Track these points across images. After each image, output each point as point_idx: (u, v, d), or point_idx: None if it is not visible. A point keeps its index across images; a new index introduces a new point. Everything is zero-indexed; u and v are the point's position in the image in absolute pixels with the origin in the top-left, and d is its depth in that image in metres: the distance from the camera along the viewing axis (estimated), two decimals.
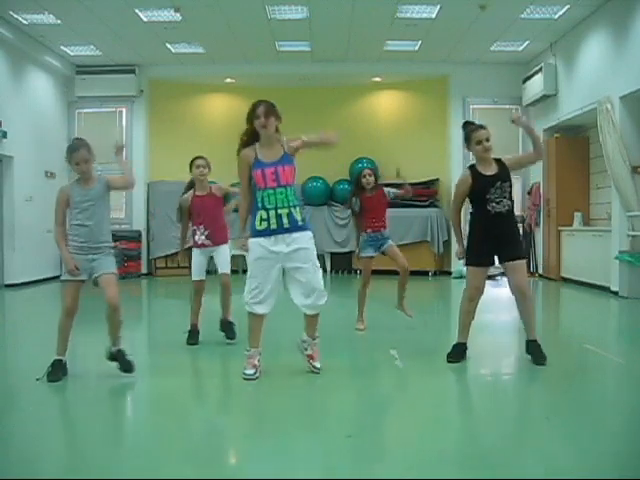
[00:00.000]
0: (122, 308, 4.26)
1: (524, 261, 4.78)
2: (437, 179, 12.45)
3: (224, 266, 5.50)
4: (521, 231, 5.20)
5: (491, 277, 11.30)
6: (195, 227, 5.52)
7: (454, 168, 12.36)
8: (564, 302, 9.39)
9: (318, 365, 4.42)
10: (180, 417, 3.64)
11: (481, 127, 4.74)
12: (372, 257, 6.10)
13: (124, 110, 12.56)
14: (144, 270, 12.31)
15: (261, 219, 4.19)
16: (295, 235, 4.19)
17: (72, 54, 11.48)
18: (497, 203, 4.57)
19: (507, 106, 12.34)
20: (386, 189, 6.15)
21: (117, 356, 4.31)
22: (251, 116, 4.27)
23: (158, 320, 7.99)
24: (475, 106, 12.41)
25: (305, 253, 4.20)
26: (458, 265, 12.02)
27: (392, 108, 13.19)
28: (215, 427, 3.57)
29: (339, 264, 12.62)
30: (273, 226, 4.17)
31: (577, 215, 10.47)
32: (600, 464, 2.87)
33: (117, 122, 12.62)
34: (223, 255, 5.52)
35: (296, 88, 12.84)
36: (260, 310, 4.25)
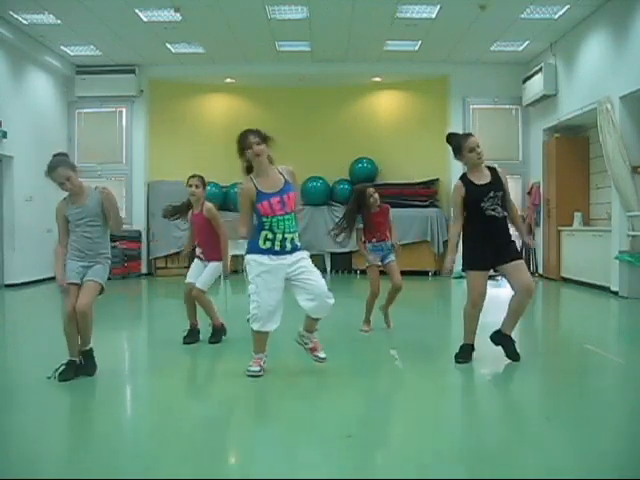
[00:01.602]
0: (90, 316, 4.22)
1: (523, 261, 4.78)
2: (437, 179, 12.44)
3: (201, 280, 5.58)
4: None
5: (491, 277, 11.31)
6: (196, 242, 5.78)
7: (454, 168, 12.32)
8: (564, 302, 9.39)
9: (322, 355, 4.45)
10: (180, 416, 3.63)
11: (470, 135, 4.70)
12: (379, 266, 6.05)
13: (124, 110, 12.56)
14: (144, 270, 12.31)
15: (266, 238, 4.25)
16: (296, 254, 4.30)
17: (72, 54, 11.48)
18: (492, 210, 4.58)
19: (507, 106, 12.37)
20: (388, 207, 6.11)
21: (83, 355, 4.31)
22: (241, 148, 4.26)
23: (158, 320, 7.99)
24: (475, 106, 12.40)
25: (306, 262, 4.31)
26: (458, 265, 12.03)
27: (392, 108, 13.19)
28: (215, 427, 3.57)
29: (339, 264, 12.60)
30: (277, 247, 4.25)
31: (577, 215, 10.48)
32: (600, 464, 2.87)
33: (117, 122, 12.61)
34: (207, 270, 5.63)
35: (296, 88, 12.85)
36: (269, 328, 4.29)
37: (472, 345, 4.76)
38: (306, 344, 4.49)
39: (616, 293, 8.65)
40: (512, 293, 4.69)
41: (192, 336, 5.59)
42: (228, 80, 12.80)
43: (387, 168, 12.55)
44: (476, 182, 4.60)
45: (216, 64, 12.19)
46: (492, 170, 4.69)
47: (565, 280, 10.60)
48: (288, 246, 4.26)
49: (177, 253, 12.62)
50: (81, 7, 9.08)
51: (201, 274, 5.61)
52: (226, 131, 13.16)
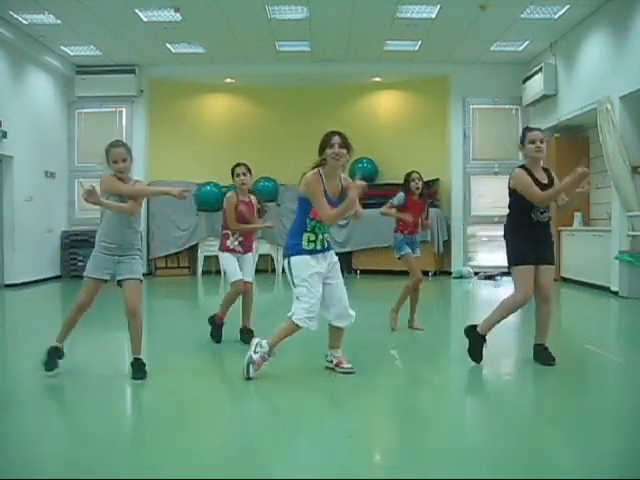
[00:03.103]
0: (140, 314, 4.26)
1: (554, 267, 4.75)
2: (437, 179, 12.45)
3: (249, 274, 5.55)
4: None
5: (491, 277, 11.32)
6: (228, 231, 5.57)
7: (454, 168, 12.38)
8: (564, 302, 9.39)
9: (348, 365, 4.42)
10: (180, 417, 3.63)
11: (538, 129, 4.69)
12: (417, 257, 6.08)
13: (124, 110, 12.56)
14: (144, 270, 12.25)
15: (309, 240, 4.32)
16: (330, 252, 4.46)
17: (72, 54, 11.48)
18: (541, 213, 4.60)
19: (507, 106, 12.38)
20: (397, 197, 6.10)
21: (136, 363, 4.30)
22: (324, 144, 4.27)
23: (159, 320, 7.99)
24: (475, 106, 12.41)
25: (337, 267, 4.49)
26: (458, 265, 12.05)
27: (392, 108, 13.19)
28: (215, 427, 3.57)
29: (339, 264, 12.57)
30: (319, 246, 4.36)
31: (577, 215, 10.48)
32: (600, 464, 2.87)
33: (117, 122, 12.61)
34: (249, 263, 5.58)
35: (296, 88, 12.85)
36: (315, 326, 4.29)
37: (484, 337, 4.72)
38: (330, 362, 4.47)
39: (616, 293, 8.65)
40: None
41: (247, 335, 5.34)
42: (228, 80, 12.80)
43: (387, 168, 12.55)
44: (539, 179, 4.58)
45: (216, 64, 12.19)
46: (547, 172, 4.66)
47: (565, 280, 10.60)
48: (325, 244, 4.40)
49: (177, 253, 12.67)
50: (81, 7, 9.08)
51: (241, 268, 5.49)
52: (226, 131, 13.23)
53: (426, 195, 6.23)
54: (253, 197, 5.70)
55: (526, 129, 4.77)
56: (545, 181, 4.60)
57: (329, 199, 4.26)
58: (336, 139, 4.24)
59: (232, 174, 5.63)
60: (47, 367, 4.21)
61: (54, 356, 4.25)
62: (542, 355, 4.63)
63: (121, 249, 4.24)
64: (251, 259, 5.62)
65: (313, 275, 4.26)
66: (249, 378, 4.18)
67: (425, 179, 13.07)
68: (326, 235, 4.40)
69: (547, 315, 4.69)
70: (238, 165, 5.63)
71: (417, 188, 6.05)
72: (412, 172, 6.14)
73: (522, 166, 4.64)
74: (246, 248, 5.58)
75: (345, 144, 4.26)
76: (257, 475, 2.82)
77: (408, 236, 6.04)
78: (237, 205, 5.53)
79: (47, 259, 11.40)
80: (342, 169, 4.40)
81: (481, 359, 4.61)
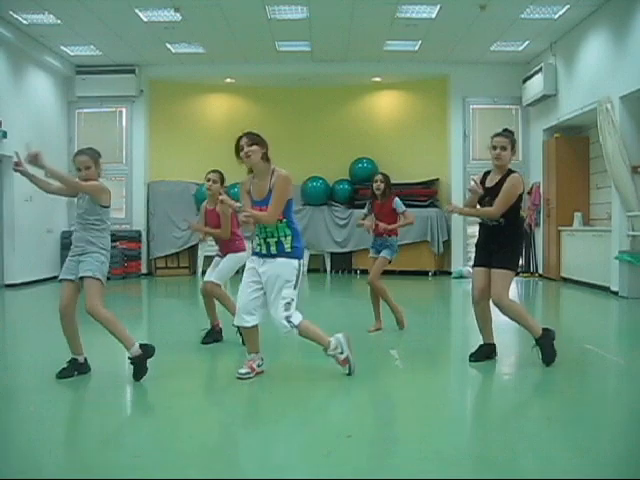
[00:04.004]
0: (103, 315, 4.17)
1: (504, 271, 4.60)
2: (437, 179, 12.45)
3: (212, 274, 5.58)
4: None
5: None
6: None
7: (454, 168, 12.38)
8: (564, 302, 9.39)
9: (345, 371, 4.36)
10: (180, 417, 3.63)
11: (503, 134, 4.68)
12: (375, 258, 6.06)
13: (124, 110, 12.56)
14: (144, 270, 12.31)
15: (256, 243, 4.32)
16: (279, 260, 4.22)
17: (72, 54, 11.48)
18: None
19: (507, 106, 12.38)
20: (397, 200, 6.04)
21: (131, 362, 4.28)
22: (236, 150, 4.28)
23: (159, 320, 7.99)
24: (475, 106, 12.41)
25: (276, 280, 4.18)
26: (458, 265, 12.04)
27: (392, 108, 13.19)
28: (214, 427, 3.57)
29: (339, 264, 12.61)
30: (264, 251, 4.26)
31: (577, 215, 10.48)
32: (600, 464, 2.87)
33: (117, 122, 12.62)
34: (222, 263, 5.61)
35: (296, 88, 12.85)
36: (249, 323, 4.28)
37: (489, 344, 4.76)
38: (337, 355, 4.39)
39: (616, 293, 8.65)
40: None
41: (211, 336, 5.53)
42: (228, 80, 12.80)
43: (387, 168, 12.49)
44: (485, 183, 4.66)
45: (216, 64, 12.19)
46: (506, 176, 4.62)
47: (565, 280, 10.60)
48: (273, 249, 4.23)
49: (177, 253, 12.67)
50: (81, 7, 9.08)
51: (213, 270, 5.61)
52: (226, 131, 13.13)
53: (390, 193, 6.06)
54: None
55: (495, 133, 4.75)
56: (491, 184, 4.62)
57: (253, 200, 4.28)
58: (243, 141, 4.23)
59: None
60: (59, 375, 4.24)
61: (71, 368, 4.28)
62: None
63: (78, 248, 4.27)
64: (227, 261, 5.59)
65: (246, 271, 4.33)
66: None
67: (425, 179, 13.15)
68: (272, 240, 4.27)
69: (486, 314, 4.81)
70: (211, 171, 5.67)
71: (377, 189, 6.04)
72: (375, 174, 6.20)
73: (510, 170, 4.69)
74: (224, 251, 5.62)
75: (253, 141, 4.23)
76: (257, 475, 2.82)
77: (375, 237, 6.08)
78: (205, 214, 5.70)
79: (47, 259, 11.39)
80: (268, 165, 4.28)
81: (480, 360, 4.62)
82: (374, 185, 6.06)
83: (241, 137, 4.27)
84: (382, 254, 5.99)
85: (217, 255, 5.73)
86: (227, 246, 5.60)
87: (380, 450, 3.13)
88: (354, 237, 12.18)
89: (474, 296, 4.71)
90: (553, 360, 4.55)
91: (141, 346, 4.26)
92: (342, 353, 4.28)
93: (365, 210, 6.21)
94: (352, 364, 4.30)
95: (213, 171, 5.66)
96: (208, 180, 5.60)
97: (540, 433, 3.30)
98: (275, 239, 4.22)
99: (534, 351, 4.59)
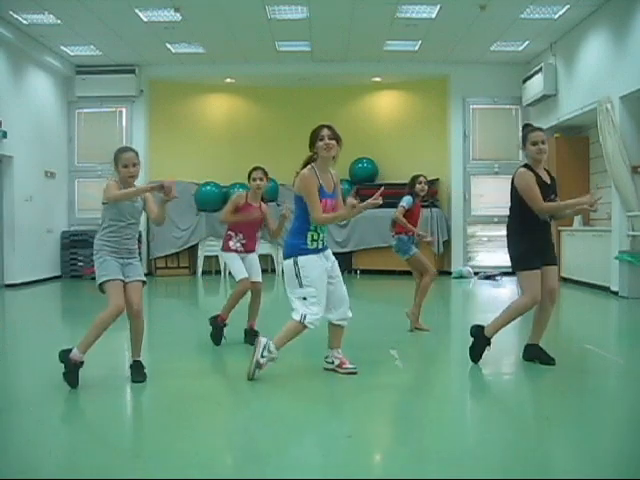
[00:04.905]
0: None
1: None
2: (437, 179, 12.45)
3: (257, 273, 5.51)
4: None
5: (491, 277, 11.31)
6: (231, 232, 5.52)
7: (454, 168, 12.38)
8: (564, 302, 9.38)
9: (352, 366, 4.39)
10: (180, 417, 3.63)
11: (539, 129, 4.64)
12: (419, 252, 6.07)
13: (124, 110, 12.56)
14: (144, 270, 12.25)
15: (312, 239, 4.32)
16: (328, 250, 4.50)
17: (72, 54, 11.48)
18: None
19: (507, 106, 12.38)
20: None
21: (136, 365, 4.28)
22: (314, 138, 4.32)
23: (160, 320, 7.99)
24: (475, 106, 12.41)
25: (337, 265, 4.53)
26: (458, 265, 12.04)
27: (392, 108, 13.19)
28: (215, 427, 3.57)
29: (339, 264, 12.54)
30: (320, 245, 4.37)
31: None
32: (600, 464, 2.87)
33: (117, 122, 12.62)
34: (255, 263, 5.54)
35: (296, 88, 12.85)
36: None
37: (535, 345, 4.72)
38: (332, 363, 4.44)
39: (616, 293, 8.65)
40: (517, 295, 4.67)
41: (251, 336, 5.28)
42: (228, 80, 12.80)
43: (387, 168, 12.55)
44: (543, 178, 4.56)
45: (216, 64, 12.18)
46: (547, 172, 4.63)
47: (565, 280, 10.60)
48: (325, 242, 4.43)
49: (177, 253, 12.67)
50: (81, 7, 9.08)
51: (248, 268, 5.44)
52: (226, 131, 13.22)
53: (428, 196, 6.20)
54: (264, 205, 5.57)
55: (527, 128, 4.69)
56: (548, 181, 4.58)
57: (324, 193, 4.27)
58: (325, 131, 4.29)
59: (248, 177, 5.53)
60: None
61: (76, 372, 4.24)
62: (543, 355, 4.62)
63: (125, 251, 4.24)
64: (256, 259, 5.56)
65: (322, 275, 4.28)
66: (252, 379, 4.18)
67: None
68: (326, 234, 4.43)
69: (549, 315, 4.69)
70: (255, 169, 5.53)
71: (422, 191, 6.07)
72: (419, 175, 6.16)
73: (525, 165, 4.61)
74: (248, 248, 5.52)
75: (335, 135, 4.30)
76: (257, 475, 2.82)
77: (412, 237, 6.05)
78: (242, 207, 5.47)
79: (47, 259, 11.39)
80: (333, 163, 4.38)
81: (479, 360, 4.62)
82: (418, 187, 6.03)
83: (323, 127, 4.32)
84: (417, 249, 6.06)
85: (237, 250, 5.47)
86: (254, 243, 5.56)
87: (380, 450, 3.13)
88: (354, 237, 12.19)
89: (546, 298, 4.53)
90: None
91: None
92: (262, 357, 4.17)
93: (406, 204, 5.98)
94: (256, 373, 4.19)
95: (257, 168, 5.52)
96: (254, 179, 5.45)
97: (540, 433, 3.30)
98: (325, 234, 4.42)
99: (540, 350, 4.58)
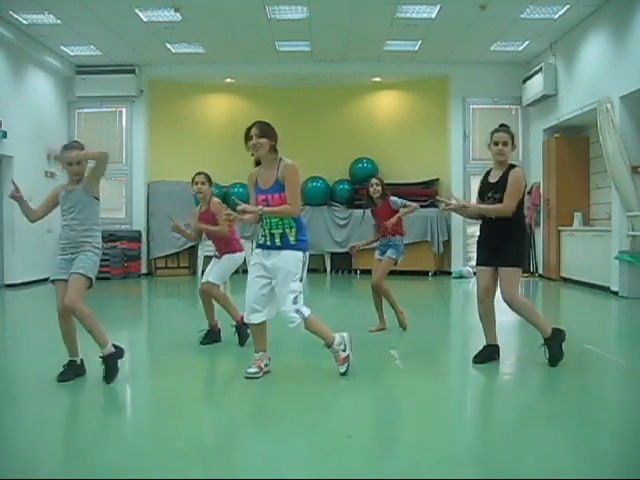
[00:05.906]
0: (80, 311, 4.13)
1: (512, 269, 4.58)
2: (437, 179, 12.45)
3: (209, 274, 5.56)
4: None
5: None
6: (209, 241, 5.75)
7: (454, 168, 12.38)
8: (564, 302, 9.39)
9: (342, 370, 4.33)
10: (180, 417, 3.63)
11: (504, 130, 4.60)
12: (379, 259, 6.00)
13: (124, 110, 12.56)
14: (144, 270, 12.31)
15: (260, 235, 4.32)
16: (284, 253, 4.21)
17: (72, 54, 11.48)
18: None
19: (507, 106, 12.38)
20: (393, 198, 5.98)
21: (102, 360, 4.20)
22: (245, 138, 4.31)
23: (160, 321, 7.99)
24: (475, 106, 12.41)
25: (283, 273, 4.18)
26: (458, 265, 12.04)
27: (392, 108, 13.19)
28: (215, 426, 3.57)
29: (339, 264, 12.61)
30: (268, 242, 4.26)
31: (577, 215, 10.48)
32: (600, 464, 2.87)
33: (117, 122, 12.62)
34: (216, 265, 5.60)
35: (296, 88, 12.86)
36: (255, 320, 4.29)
37: (492, 346, 4.73)
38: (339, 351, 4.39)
39: (616, 293, 8.65)
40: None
41: (210, 337, 5.47)
42: (228, 80, 12.80)
43: (387, 168, 12.54)
44: (489, 178, 4.63)
45: (216, 64, 12.19)
46: (509, 171, 4.58)
47: (565, 280, 10.60)
48: (277, 241, 4.24)
49: (177, 253, 12.67)
50: (81, 7, 9.08)
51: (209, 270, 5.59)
52: (226, 131, 13.20)
53: (386, 194, 6.00)
54: (213, 202, 5.61)
55: (496, 128, 4.69)
56: (493, 180, 4.60)
57: (258, 188, 4.30)
58: (253, 130, 4.29)
59: (192, 182, 5.64)
60: (59, 378, 4.19)
61: (70, 370, 4.23)
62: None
63: (72, 247, 4.29)
64: (224, 261, 5.57)
65: (252, 266, 4.33)
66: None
67: (425, 179, 13.15)
68: (277, 231, 4.27)
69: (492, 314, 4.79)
70: (197, 174, 5.64)
71: (375, 192, 5.98)
72: (372, 177, 6.17)
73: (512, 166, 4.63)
74: (222, 252, 5.59)
75: (263, 133, 4.29)
76: (256, 475, 2.81)
77: (381, 239, 6.03)
78: (202, 216, 5.65)
79: (47, 259, 11.35)
80: (275, 155, 4.34)
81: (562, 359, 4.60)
82: (370, 190, 5.97)
83: (252, 126, 4.30)
84: (387, 254, 5.90)
85: (215, 256, 5.70)
86: (224, 246, 5.57)
87: (380, 450, 3.13)
88: (354, 237, 12.16)
89: (479, 295, 4.67)
90: (558, 361, 4.53)
91: (113, 346, 4.22)
92: (344, 350, 4.29)
93: (370, 220, 6.07)
94: (350, 364, 4.29)
95: (199, 173, 5.62)
96: (196, 183, 5.54)
97: (540, 433, 3.30)
98: (280, 230, 4.23)
99: (540, 350, 4.57)
